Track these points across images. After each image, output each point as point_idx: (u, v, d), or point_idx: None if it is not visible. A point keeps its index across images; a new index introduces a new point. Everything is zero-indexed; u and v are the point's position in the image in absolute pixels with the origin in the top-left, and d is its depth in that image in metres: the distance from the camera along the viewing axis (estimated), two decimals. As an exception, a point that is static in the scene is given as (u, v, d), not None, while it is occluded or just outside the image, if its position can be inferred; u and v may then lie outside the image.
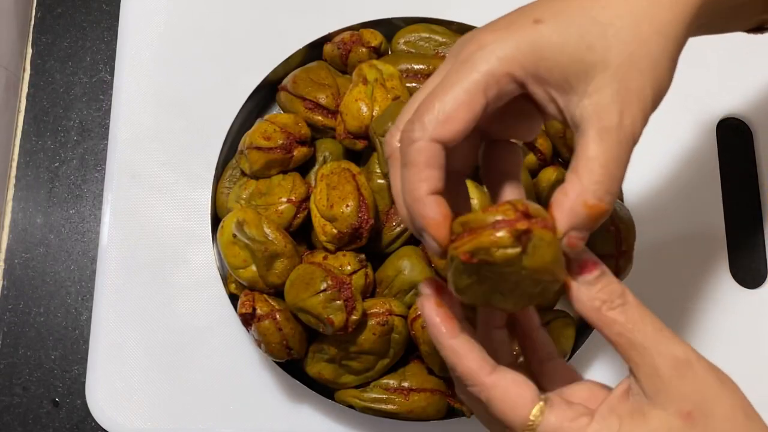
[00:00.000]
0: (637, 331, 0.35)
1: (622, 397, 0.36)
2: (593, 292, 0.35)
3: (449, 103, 0.34)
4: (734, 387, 0.36)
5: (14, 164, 0.70)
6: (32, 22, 0.73)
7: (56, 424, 0.64)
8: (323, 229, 0.56)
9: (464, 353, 0.36)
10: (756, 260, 0.70)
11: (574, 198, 0.34)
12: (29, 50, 0.72)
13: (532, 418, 0.35)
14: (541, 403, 0.35)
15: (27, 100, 0.71)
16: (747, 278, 0.69)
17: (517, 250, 0.33)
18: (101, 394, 0.63)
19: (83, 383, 0.64)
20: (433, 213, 0.35)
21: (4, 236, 0.68)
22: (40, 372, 0.65)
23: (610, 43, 0.34)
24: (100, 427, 0.63)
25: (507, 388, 0.36)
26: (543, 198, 0.58)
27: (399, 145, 0.36)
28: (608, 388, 0.38)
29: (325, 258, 0.56)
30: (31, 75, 0.72)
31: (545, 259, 0.34)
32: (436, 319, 0.37)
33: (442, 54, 0.64)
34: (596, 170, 0.34)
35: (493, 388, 0.36)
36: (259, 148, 0.58)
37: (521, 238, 0.33)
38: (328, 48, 0.65)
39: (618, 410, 0.35)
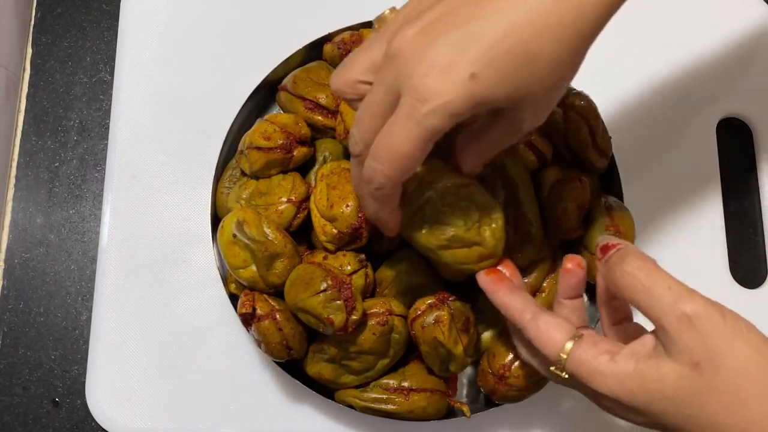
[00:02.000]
0: (647, 293, 0.39)
1: (646, 345, 0.40)
2: (610, 267, 0.42)
3: (401, 161, 0.40)
4: (753, 339, 0.38)
5: (14, 164, 0.70)
6: (32, 22, 0.73)
7: (56, 424, 0.64)
8: (323, 229, 0.56)
9: (511, 304, 0.46)
10: (756, 260, 0.70)
11: (475, 155, 0.47)
12: (29, 50, 0.72)
13: (563, 354, 0.42)
14: (571, 342, 0.42)
15: (27, 100, 0.71)
16: (747, 278, 0.69)
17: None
18: (101, 394, 0.63)
19: (83, 383, 0.64)
20: (393, 225, 0.48)
21: (4, 236, 0.68)
22: (40, 372, 0.65)
23: (534, 83, 0.39)
24: (100, 427, 0.63)
25: (542, 328, 0.43)
26: (543, 198, 0.58)
27: (359, 149, 0.43)
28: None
29: (325, 258, 0.56)
30: (31, 75, 0.72)
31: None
32: (488, 281, 0.48)
33: None
34: (490, 152, 0.46)
35: (531, 328, 0.44)
36: (259, 148, 0.58)
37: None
38: (328, 48, 0.64)
39: (638, 354, 0.40)
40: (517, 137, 0.44)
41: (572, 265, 0.47)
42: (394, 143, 0.40)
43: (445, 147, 0.50)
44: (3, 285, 0.67)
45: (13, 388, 0.64)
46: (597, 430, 0.64)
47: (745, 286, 0.68)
